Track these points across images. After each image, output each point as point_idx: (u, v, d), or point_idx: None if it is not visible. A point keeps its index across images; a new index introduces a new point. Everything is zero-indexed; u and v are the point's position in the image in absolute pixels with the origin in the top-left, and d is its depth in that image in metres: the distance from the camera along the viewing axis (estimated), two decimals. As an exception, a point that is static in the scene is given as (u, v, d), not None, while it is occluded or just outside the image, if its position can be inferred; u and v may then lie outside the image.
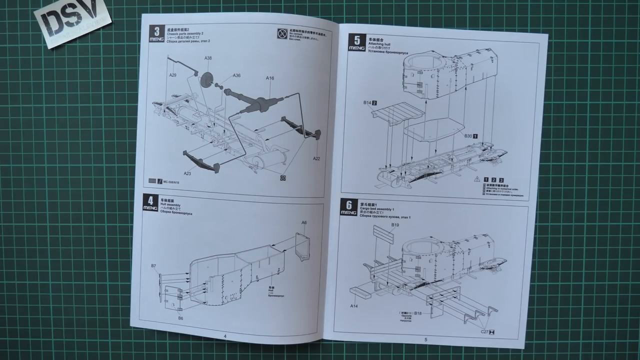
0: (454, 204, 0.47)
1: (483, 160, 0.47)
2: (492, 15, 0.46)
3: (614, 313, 0.48)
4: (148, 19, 0.46)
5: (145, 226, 0.47)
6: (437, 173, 0.47)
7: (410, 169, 0.46)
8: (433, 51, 0.46)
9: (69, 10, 0.47)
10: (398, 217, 0.47)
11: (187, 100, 0.46)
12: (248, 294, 0.46)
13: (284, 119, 0.45)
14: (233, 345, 0.48)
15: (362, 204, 0.47)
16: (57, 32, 0.47)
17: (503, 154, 0.47)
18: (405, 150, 0.46)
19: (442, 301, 0.47)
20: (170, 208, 0.46)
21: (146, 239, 0.47)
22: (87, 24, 0.47)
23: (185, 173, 0.46)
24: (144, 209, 0.47)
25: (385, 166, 0.46)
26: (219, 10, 0.46)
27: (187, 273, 0.47)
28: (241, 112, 0.45)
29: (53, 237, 0.48)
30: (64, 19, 0.47)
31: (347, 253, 0.47)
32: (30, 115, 0.48)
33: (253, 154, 0.45)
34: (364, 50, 0.46)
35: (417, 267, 0.47)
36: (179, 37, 0.46)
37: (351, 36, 0.46)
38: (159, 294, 0.47)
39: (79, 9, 0.47)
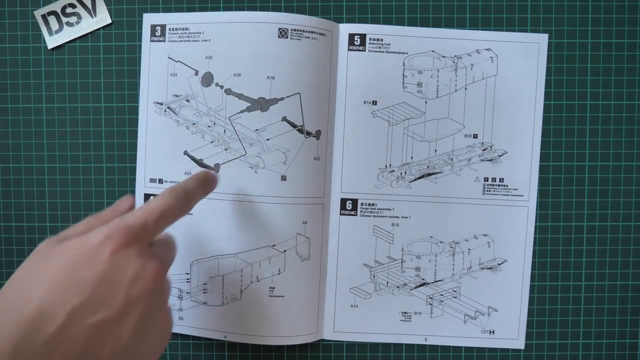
0: (454, 204, 0.47)
1: (483, 160, 0.47)
2: (492, 15, 0.46)
3: (614, 313, 0.48)
4: (149, 19, 0.46)
5: (145, 226, 0.47)
6: (437, 173, 0.47)
7: (410, 169, 0.47)
8: (433, 51, 0.46)
9: (69, 10, 0.47)
10: (398, 217, 0.47)
11: (187, 100, 0.46)
12: (248, 294, 0.46)
13: (284, 119, 0.45)
14: (233, 345, 0.48)
15: (362, 204, 0.47)
16: (57, 32, 0.47)
17: (503, 154, 0.47)
18: (405, 150, 0.46)
19: (442, 301, 0.47)
20: (171, 208, 0.46)
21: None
22: (87, 24, 0.47)
23: (185, 173, 0.46)
24: (144, 209, 0.47)
25: (385, 166, 0.46)
26: (220, 10, 0.46)
27: (187, 273, 0.47)
28: (242, 112, 0.45)
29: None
30: (64, 19, 0.47)
31: (347, 253, 0.47)
32: (30, 115, 0.47)
33: (253, 154, 0.45)
34: (364, 50, 0.46)
35: (417, 267, 0.47)
36: (179, 37, 0.46)
37: (351, 36, 0.46)
38: (159, 294, 0.47)
39: (79, 9, 0.47)
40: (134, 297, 0.30)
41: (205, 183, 0.38)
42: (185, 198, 0.34)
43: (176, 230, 0.46)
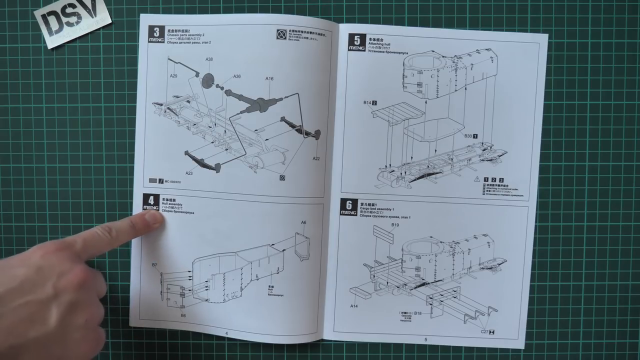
0: (454, 204, 0.47)
1: (483, 160, 0.47)
2: (492, 15, 0.46)
3: (614, 313, 0.48)
4: (147, 20, 0.46)
5: (145, 226, 0.47)
6: (437, 173, 0.47)
7: (410, 169, 0.47)
8: (433, 51, 0.46)
9: (69, 10, 0.47)
10: (398, 217, 0.47)
11: (188, 101, 0.46)
12: (248, 292, 0.46)
13: (283, 119, 0.45)
14: (233, 345, 0.48)
15: (362, 204, 0.47)
16: (57, 32, 0.47)
17: (503, 154, 0.47)
18: (405, 150, 0.46)
19: (442, 301, 0.47)
20: (172, 207, 0.47)
21: (147, 238, 0.47)
22: (87, 24, 0.47)
23: (187, 173, 0.46)
24: (144, 209, 0.47)
25: (385, 166, 0.46)
26: (219, 11, 0.46)
27: (189, 271, 0.47)
28: (241, 112, 0.45)
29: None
30: (64, 19, 0.47)
31: (347, 253, 0.47)
32: (30, 115, 0.48)
33: (253, 154, 0.45)
34: (364, 50, 0.46)
35: (417, 267, 0.47)
36: (179, 39, 0.46)
37: (351, 36, 0.46)
38: (161, 292, 0.47)
39: (79, 9, 0.47)
40: (61, 286, 0.34)
41: (136, 225, 0.44)
42: (109, 233, 0.41)
43: (179, 229, 0.46)
